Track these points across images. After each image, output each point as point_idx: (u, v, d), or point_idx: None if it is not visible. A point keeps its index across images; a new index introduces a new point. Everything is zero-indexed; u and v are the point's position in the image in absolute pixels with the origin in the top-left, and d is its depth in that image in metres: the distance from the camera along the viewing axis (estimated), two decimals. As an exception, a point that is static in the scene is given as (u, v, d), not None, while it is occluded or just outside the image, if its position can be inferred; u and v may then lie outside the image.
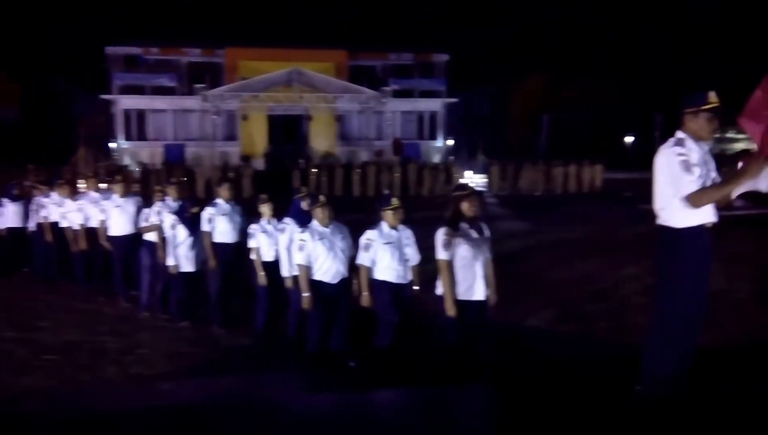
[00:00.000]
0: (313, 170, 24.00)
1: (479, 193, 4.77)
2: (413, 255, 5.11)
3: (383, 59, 34.38)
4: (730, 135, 37.20)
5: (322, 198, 5.36)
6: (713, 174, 3.53)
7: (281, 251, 5.76)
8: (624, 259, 9.32)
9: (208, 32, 35.23)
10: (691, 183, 3.39)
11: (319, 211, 5.24)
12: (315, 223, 5.26)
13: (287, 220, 5.79)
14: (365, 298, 4.96)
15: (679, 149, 3.46)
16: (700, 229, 3.49)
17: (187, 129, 31.43)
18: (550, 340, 5.44)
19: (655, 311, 3.71)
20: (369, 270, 4.96)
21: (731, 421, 3.52)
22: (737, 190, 3.47)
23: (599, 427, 3.54)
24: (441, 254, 4.33)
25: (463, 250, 4.32)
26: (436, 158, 31.34)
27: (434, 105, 34.24)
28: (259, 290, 5.95)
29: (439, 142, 34.28)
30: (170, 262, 6.46)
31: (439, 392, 4.12)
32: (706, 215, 3.50)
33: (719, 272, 8.42)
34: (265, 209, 6.07)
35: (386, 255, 4.93)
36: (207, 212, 6.39)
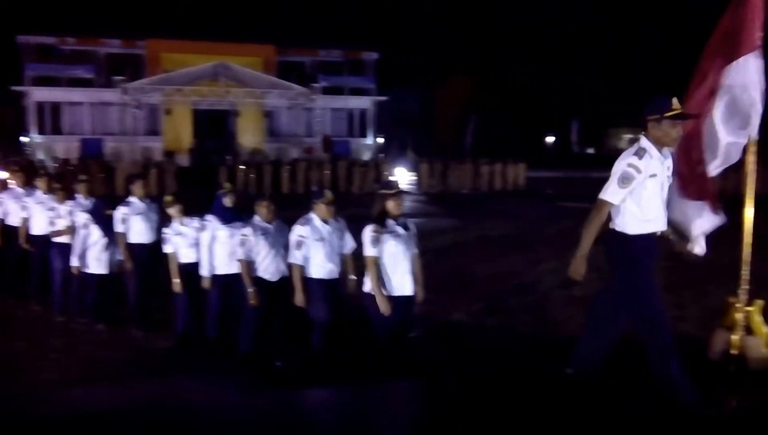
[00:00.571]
0: (240, 167, 23.47)
1: (404, 192, 4.81)
2: (348, 243, 5.02)
3: (312, 55, 34.13)
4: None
5: (266, 194, 5.27)
6: (668, 183, 3.68)
7: (202, 250, 5.57)
8: (545, 254, 9.71)
9: (128, 22, 33.76)
10: (614, 194, 3.56)
11: (263, 207, 5.14)
12: (258, 219, 5.16)
13: (209, 217, 5.58)
14: (299, 298, 4.86)
15: (634, 160, 3.54)
16: (650, 236, 3.66)
17: (106, 123, 30.04)
18: (476, 333, 5.56)
19: (598, 306, 4.00)
20: (302, 268, 4.87)
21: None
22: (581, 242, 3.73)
23: (530, 415, 3.65)
24: (369, 251, 4.34)
25: (390, 247, 4.35)
26: (366, 156, 31.44)
27: (364, 102, 34.31)
28: (177, 296, 5.68)
29: (369, 140, 34.41)
30: (74, 262, 6.15)
31: (369, 389, 4.14)
32: (656, 224, 3.66)
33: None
34: (174, 211, 5.75)
35: (319, 252, 4.84)
36: (120, 212, 6.04)
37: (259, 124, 32.21)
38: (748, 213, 4.01)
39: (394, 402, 4.00)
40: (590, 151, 49.79)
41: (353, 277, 5.02)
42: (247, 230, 5.08)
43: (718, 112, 3.91)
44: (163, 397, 4.31)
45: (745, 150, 3.95)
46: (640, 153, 3.54)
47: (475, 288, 7.60)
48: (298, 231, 4.87)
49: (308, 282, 4.85)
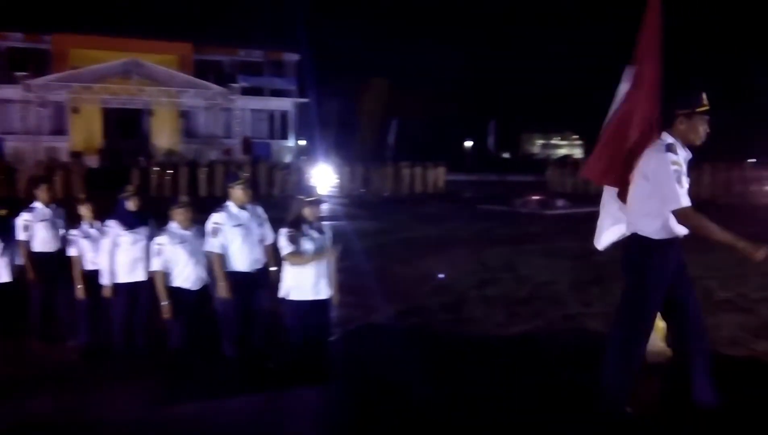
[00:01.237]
0: (154, 168, 22.60)
1: (322, 199, 4.77)
2: (268, 234, 4.83)
3: (231, 55, 33.41)
4: (554, 141, 41.38)
5: (184, 198, 4.96)
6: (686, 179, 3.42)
7: (102, 256, 5.19)
8: (462, 256, 9.98)
9: (33, 16, 31.74)
10: (684, 197, 3.26)
11: (179, 213, 4.82)
12: (174, 226, 4.84)
13: (110, 222, 5.21)
14: (222, 289, 4.58)
15: (672, 156, 3.31)
16: (674, 240, 3.40)
17: (7, 121, 28.10)
18: (393, 336, 5.62)
19: (618, 321, 3.58)
20: (222, 257, 4.61)
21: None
22: (718, 241, 3.30)
23: (447, 418, 3.73)
24: (287, 249, 4.29)
25: (305, 251, 4.32)
26: (288, 158, 31.10)
27: (285, 104, 33.94)
28: (80, 303, 5.34)
29: (290, 142, 34.06)
30: None
31: (284, 395, 4.10)
32: (680, 227, 3.38)
33: (545, 266, 9.33)
34: (85, 211, 5.39)
35: (237, 238, 4.59)
36: (22, 219, 5.58)
37: (175, 124, 31.15)
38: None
39: (306, 408, 3.98)
40: (506, 155, 51.63)
41: (274, 268, 4.84)
42: (163, 239, 4.80)
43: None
44: (57, 413, 4.07)
45: None
46: (673, 148, 3.36)
47: (396, 290, 7.69)
48: (213, 218, 4.63)
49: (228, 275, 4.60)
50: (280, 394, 4.13)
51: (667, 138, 3.41)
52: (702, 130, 3.41)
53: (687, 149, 3.46)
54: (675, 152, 3.34)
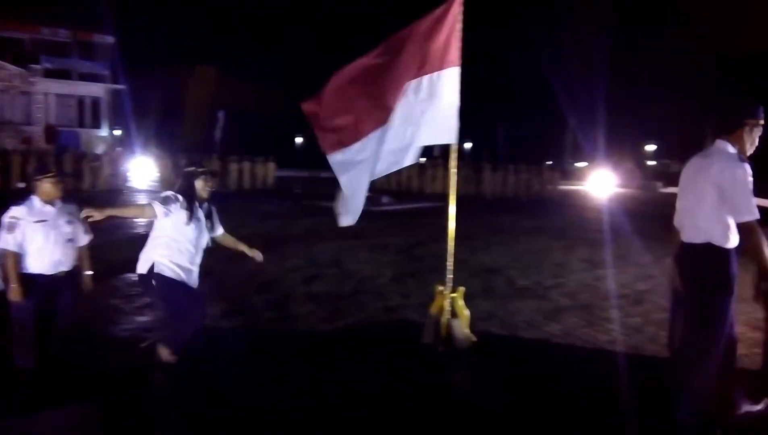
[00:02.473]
0: (-69, 157, 19.41)
1: (215, 172, 4.60)
2: (80, 234, 4.38)
3: (33, 33, 29.75)
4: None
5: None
6: None
7: None
8: (290, 252, 9.95)
9: None
10: (756, 209, 3.19)
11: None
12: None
13: None
14: (13, 291, 4.05)
15: (749, 168, 3.19)
16: (736, 250, 3.33)
17: None
18: (216, 338, 5.41)
19: (693, 340, 3.37)
20: (17, 256, 4.07)
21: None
22: (763, 263, 3.22)
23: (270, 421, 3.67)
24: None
25: (188, 231, 4.23)
26: (100, 149, 28.50)
27: (97, 90, 31.09)
28: None
29: (103, 131, 31.28)
30: None
31: (82, 408, 3.77)
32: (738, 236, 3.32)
33: (369, 260, 9.65)
34: None
35: (38, 236, 4.10)
36: None
37: (-40, 106, 27.03)
38: (451, 210, 4.61)
39: (111, 420, 3.70)
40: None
41: (89, 272, 4.45)
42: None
43: (401, 116, 4.24)
44: None
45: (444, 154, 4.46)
46: (743, 158, 3.26)
47: (218, 289, 7.43)
48: (11, 212, 4.09)
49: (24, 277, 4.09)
50: (78, 408, 3.78)
51: (728, 147, 3.30)
52: (756, 141, 3.37)
53: None
54: (746, 162, 3.25)
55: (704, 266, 3.29)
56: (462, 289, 4.65)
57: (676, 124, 40.44)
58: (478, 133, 46.00)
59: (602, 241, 12.42)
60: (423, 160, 29.64)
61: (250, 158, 25.89)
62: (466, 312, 4.61)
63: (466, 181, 27.01)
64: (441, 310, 4.55)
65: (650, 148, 48.67)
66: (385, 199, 20.34)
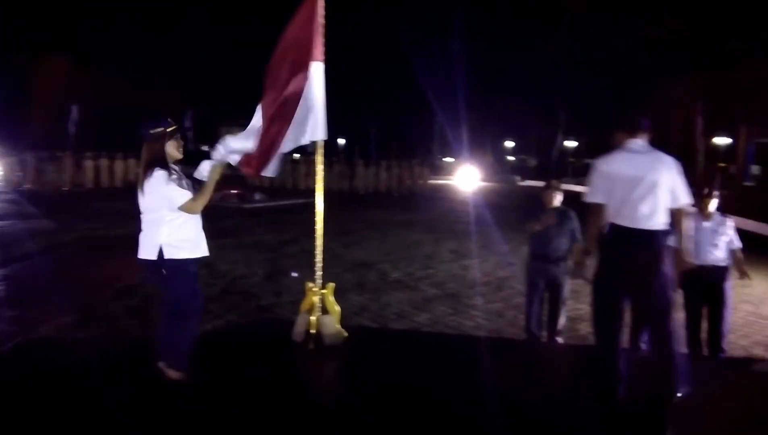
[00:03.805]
0: None
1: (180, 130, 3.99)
2: None
3: None
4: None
5: None
6: None
7: None
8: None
9: None
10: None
11: None
12: None
13: None
14: None
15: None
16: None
17: None
18: (66, 351, 4.95)
19: (663, 312, 3.60)
20: None
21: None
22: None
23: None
24: (184, 196, 3.67)
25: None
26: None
27: None
28: None
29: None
30: None
31: None
32: None
33: (240, 259, 9.37)
34: None
35: None
36: None
37: None
38: (319, 207, 4.59)
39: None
40: (205, 148, 50.32)
41: None
42: None
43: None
44: None
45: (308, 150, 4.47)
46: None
47: (71, 296, 6.84)
48: None
49: None
50: None
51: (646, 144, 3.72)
52: None
53: None
54: None
55: (661, 248, 3.59)
56: (332, 284, 4.64)
57: (530, 122, 43.51)
58: (351, 129, 46.40)
59: (468, 233, 13.06)
60: (297, 156, 29.37)
61: (109, 155, 24.13)
62: (337, 308, 4.61)
63: (339, 177, 27.19)
64: (312, 307, 4.51)
65: (509, 144, 51.93)
66: (257, 196, 19.90)
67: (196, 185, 3.84)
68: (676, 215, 3.68)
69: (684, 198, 3.66)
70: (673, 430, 3.40)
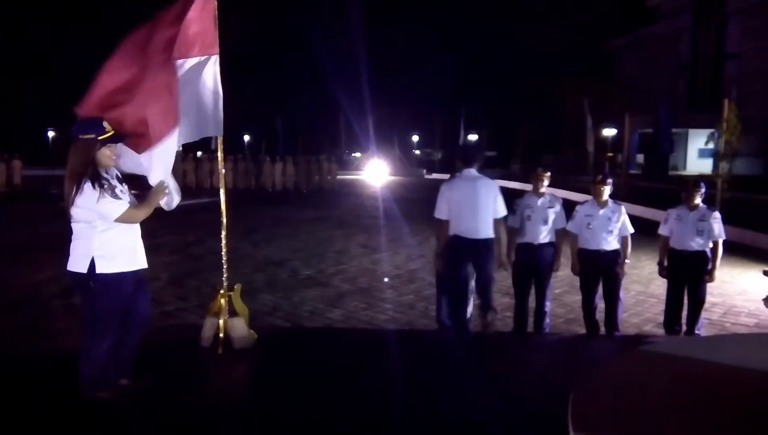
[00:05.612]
0: None
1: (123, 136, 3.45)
2: None
3: None
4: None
5: None
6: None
7: None
8: (44, 262, 8.71)
9: None
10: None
11: None
12: None
13: None
14: None
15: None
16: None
17: None
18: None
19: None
20: None
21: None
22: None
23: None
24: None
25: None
26: None
27: None
28: None
29: None
30: None
31: None
32: None
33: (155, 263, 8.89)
34: None
35: None
36: None
37: None
38: (223, 205, 4.43)
39: None
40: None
41: None
42: None
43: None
44: None
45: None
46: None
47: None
48: None
49: None
50: None
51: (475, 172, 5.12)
52: None
53: None
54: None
55: (491, 252, 4.97)
56: (239, 285, 4.51)
57: (434, 116, 44.45)
58: (256, 125, 45.38)
59: (378, 227, 13.17)
60: (200, 153, 28.34)
61: (-11, 156, 22.20)
62: (247, 309, 4.49)
63: (246, 174, 26.54)
64: (220, 310, 4.36)
65: (415, 138, 52.83)
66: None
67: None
68: (497, 225, 4.95)
69: (503, 211, 4.97)
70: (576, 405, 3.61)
